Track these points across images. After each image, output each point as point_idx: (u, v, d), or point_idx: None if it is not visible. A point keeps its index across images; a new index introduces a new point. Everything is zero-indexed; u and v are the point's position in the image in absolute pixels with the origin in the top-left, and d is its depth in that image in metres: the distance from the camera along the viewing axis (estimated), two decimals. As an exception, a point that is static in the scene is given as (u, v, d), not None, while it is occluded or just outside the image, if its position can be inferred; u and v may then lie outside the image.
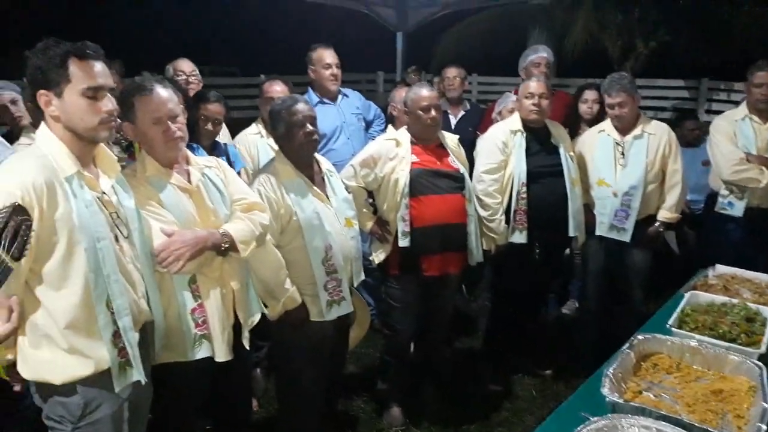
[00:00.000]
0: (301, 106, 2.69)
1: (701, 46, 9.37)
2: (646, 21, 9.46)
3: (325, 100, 4.03)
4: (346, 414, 3.46)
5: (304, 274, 2.68)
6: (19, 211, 1.43)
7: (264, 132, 3.57)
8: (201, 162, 2.32)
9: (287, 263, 2.64)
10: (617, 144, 3.58)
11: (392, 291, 3.28)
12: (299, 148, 2.69)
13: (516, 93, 4.38)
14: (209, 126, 3.10)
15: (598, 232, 3.66)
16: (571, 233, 3.56)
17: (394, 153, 3.17)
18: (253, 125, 3.63)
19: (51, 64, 1.73)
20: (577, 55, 9.63)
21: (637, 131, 3.54)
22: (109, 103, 1.81)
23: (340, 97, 4.09)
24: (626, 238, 3.57)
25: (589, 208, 3.71)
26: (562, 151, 3.56)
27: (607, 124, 3.67)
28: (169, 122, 2.10)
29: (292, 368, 2.78)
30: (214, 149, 3.16)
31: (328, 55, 3.99)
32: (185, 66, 3.57)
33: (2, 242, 1.37)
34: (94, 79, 1.77)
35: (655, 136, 3.53)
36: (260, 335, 2.78)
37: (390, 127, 3.87)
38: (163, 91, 2.11)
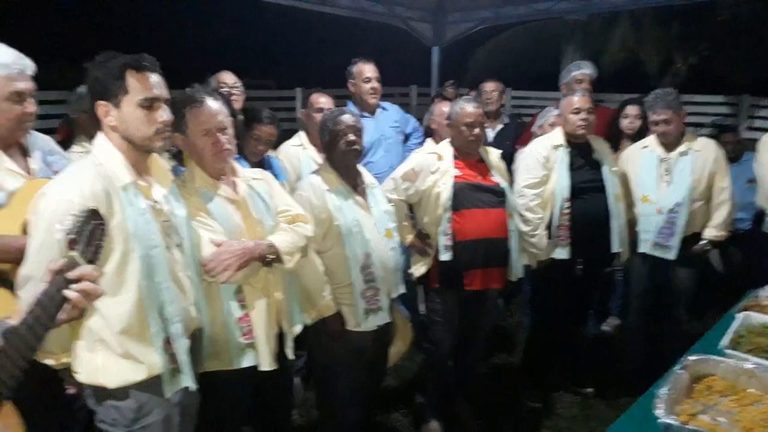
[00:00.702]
0: (346, 117, 2.75)
1: (742, 61, 9.23)
2: (686, 36, 9.37)
3: (364, 114, 4.05)
4: (385, 426, 3.44)
5: (343, 281, 2.69)
6: (94, 215, 1.46)
7: (306, 143, 3.60)
8: (248, 174, 2.35)
9: (327, 270, 2.67)
10: (662, 160, 3.52)
11: (433, 305, 3.26)
12: (342, 156, 2.73)
13: (557, 107, 4.35)
14: (260, 147, 3.14)
15: (641, 250, 3.60)
16: (615, 249, 3.50)
17: (436, 167, 3.16)
18: (295, 137, 3.67)
19: (109, 76, 1.78)
20: (613, 71, 9.58)
21: (682, 148, 3.48)
22: (164, 114, 1.85)
23: (378, 110, 4.11)
24: (671, 255, 3.50)
25: (632, 224, 3.65)
26: (604, 166, 3.52)
27: (651, 140, 3.61)
28: (219, 134, 2.14)
29: (330, 378, 2.79)
30: (260, 162, 3.19)
31: (368, 70, 4.03)
32: (228, 78, 3.63)
33: (78, 245, 1.40)
34: (150, 91, 1.82)
35: (701, 152, 3.46)
36: (299, 344, 2.79)
37: (429, 140, 3.88)
38: (213, 104, 2.15)
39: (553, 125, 4.06)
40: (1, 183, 2.00)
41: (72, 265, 1.38)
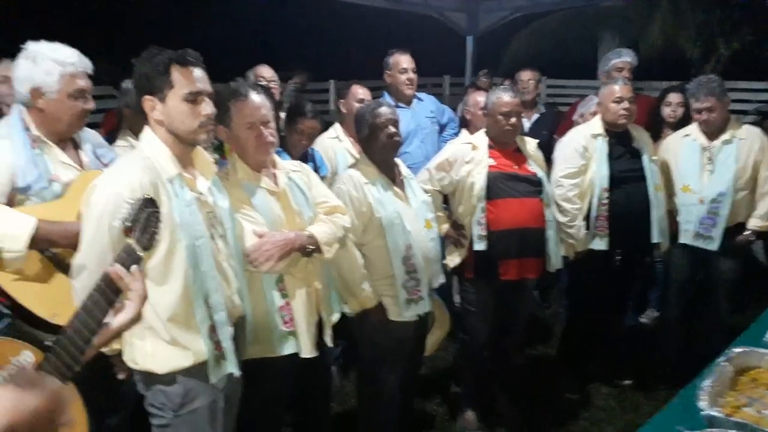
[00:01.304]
0: (384, 110, 2.76)
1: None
2: (728, 21, 9.09)
3: (400, 104, 4.05)
4: (421, 416, 3.47)
5: (385, 273, 2.71)
6: (149, 203, 1.50)
7: (342, 135, 3.62)
8: (287, 166, 2.39)
9: (368, 262, 2.69)
10: (704, 149, 3.45)
11: (468, 295, 3.27)
12: (382, 149, 2.74)
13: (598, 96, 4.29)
14: (304, 141, 3.18)
15: (682, 240, 3.54)
16: (655, 240, 3.45)
17: (470, 156, 3.16)
18: (331, 129, 3.69)
19: (155, 71, 1.83)
20: (653, 58, 9.34)
21: (726, 136, 3.40)
22: (208, 108, 1.89)
23: (414, 101, 4.11)
24: (713, 246, 3.43)
25: (672, 214, 3.59)
26: (644, 155, 3.47)
27: (693, 129, 3.54)
28: (262, 127, 2.18)
29: (373, 368, 2.83)
30: (303, 156, 3.23)
31: (404, 60, 4.03)
32: (266, 72, 3.67)
33: (135, 232, 1.44)
34: (194, 85, 1.86)
35: (746, 141, 3.37)
36: (336, 333, 2.83)
37: (464, 130, 3.87)
38: (257, 97, 2.19)
39: (594, 114, 4.00)
40: (57, 175, 2.08)
41: (129, 250, 1.43)
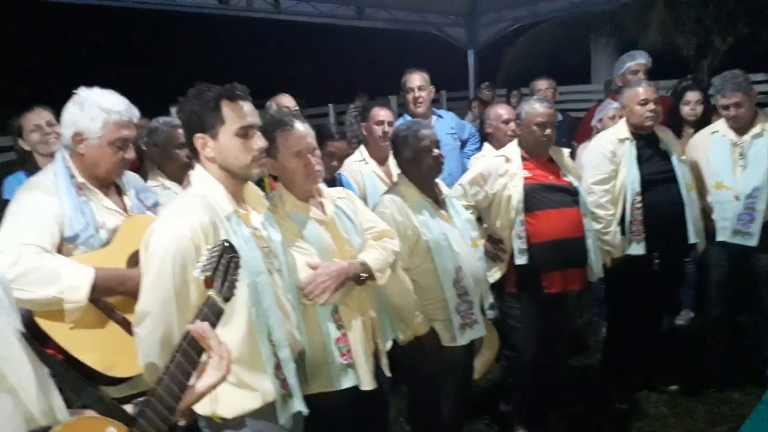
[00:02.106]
0: (427, 132, 2.74)
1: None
2: (722, 15, 9.11)
3: (418, 123, 4.03)
4: (471, 438, 3.38)
5: (436, 298, 2.66)
6: (228, 248, 1.43)
7: (368, 158, 3.59)
8: (332, 193, 2.35)
9: (417, 287, 2.63)
10: (735, 145, 3.42)
11: (511, 311, 3.20)
12: (428, 171, 2.72)
13: (614, 99, 4.27)
14: (334, 162, 3.15)
15: (720, 238, 3.48)
16: (692, 240, 3.41)
17: (504, 169, 3.12)
18: (357, 152, 3.66)
19: (206, 108, 1.80)
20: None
21: (756, 130, 3.37)
22: (259, 141, 1.85)
23: (434, 118, 4.09)
24: (753, 242, 3.38)
25: (706, 213, 3.54)
26: (673, 156, 3.43)
27: (721, 125, 3.51)
28: (309, 155, 2.14)
29: (425, 395, 2.76)
30: (332, 179, 3.20)
31: (411, 79, 4.02)
32: (287, 101, 3.65)
33: (215, 281, 1.37)
34: (245, 119, 1.83)
35: (777, 133, 3.34)
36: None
37: (487, 145, 3.84)
38: (302, 126, 2.16)
39: (613, 118, 3.98)
40: (103, 221, 2.03)
41: (211, 304, 1.35)
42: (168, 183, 2.92)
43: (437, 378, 2.74)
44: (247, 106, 1.84)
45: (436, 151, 2.67)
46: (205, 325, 1.31)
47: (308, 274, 2.09)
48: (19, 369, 0.93)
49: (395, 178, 3.54)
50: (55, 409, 0.98)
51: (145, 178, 2.96)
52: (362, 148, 3.67)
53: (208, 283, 1.37)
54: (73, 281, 1.82)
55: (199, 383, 1.31)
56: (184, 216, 1.74)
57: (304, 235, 2.16)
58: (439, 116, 4.15)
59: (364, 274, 2.20)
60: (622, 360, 3.69)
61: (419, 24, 6.88)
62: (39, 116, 2.97)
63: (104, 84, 2.13)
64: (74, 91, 2.06)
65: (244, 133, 1.82)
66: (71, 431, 0.92)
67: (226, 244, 1.43)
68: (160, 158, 2.96)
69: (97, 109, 2.00)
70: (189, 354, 1.26)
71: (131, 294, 1.88)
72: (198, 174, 1.88)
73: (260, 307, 1.82)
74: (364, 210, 2.44)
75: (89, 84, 2.08)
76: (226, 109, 1.80)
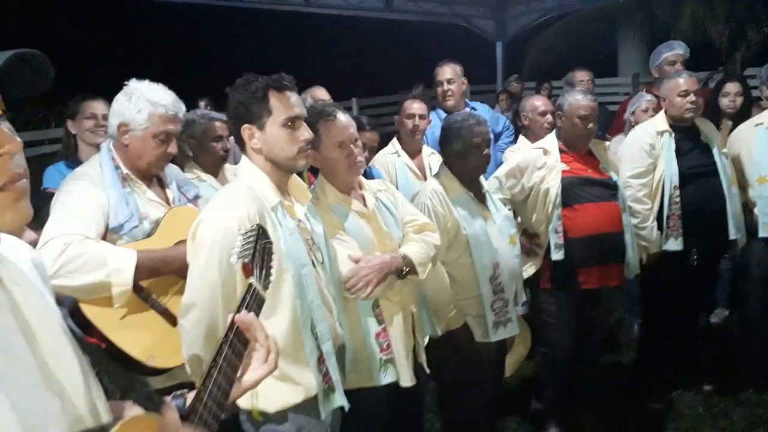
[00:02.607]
0: (481, 128, 2.69)
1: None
2: (757, 6, 8.90)
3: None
4: (502, 435, 3.35)
5: (471, 293, 2.62)
6: (262, 233, 1.35)
7: (401, 151, 3.56)
8: (373, 186, 2.33)
9: (453, 280, 2.59)
10: (779, 137, 3.32)
11: (546, 306, 3.15)
12: (474, 169, 2.69)
13: (648, 92, 4.18)
14: (366, 153, 3.12)
15: (762, 234, 3.39)
16: (732, 236, 3.33)
17: (542, 162, 3.06)
18: (390, 145, 3.63)
19: (253, 98, 1.78)
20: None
21: (802, 122, 3.27)
22: (306, 132, 1.84)
23: (466, 110, 4.03)
24: (797, 238, 3.29)
25: (747, 208, 3.45)
26: (715, 149, 3.35)
27: (765, 117, 3.42)
28: (352, 146, 2.11)
29: (458, 392, 2.73)
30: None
31: (440, 72, 4.00)
32: (322, 93, 3.62)
33: (254, 269, 1.29)
34: (292, 110, 1.81)
35: (824, 126, 3.24)
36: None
37: (521, 137, 3.78)
38: (343, 116, 2.14)
39: (646, 111, 3.91)
40: (147, 212, 2.04)
41: (253, 293, 1.25)
42: (204, 175, 2.92)
43: (469, 374, 2.70)
44: (294, 97, 1.83)
45: (486, 150, 2.65)
46: (251, 315, 1.21)
47: (351, 268, 2.06)
48: (69, 365, 0.88)
49: (428, 172, 3.53)
50: (97, 403, 0.92)
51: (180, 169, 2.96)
52: (395, 140, 3.64)
53: (247, 270, 1.29)
54: (118, 264, 1.83)
55: (246, 377, 1.22)
56: (232, 207, 1.72)
57: (345, 227, 2.13)
58: (473, 108, 4.09)
59: (406, 268, 2.16)
60: (657, 358, 3.63)
61: (447, 16, 6.81)
62: (98, 106, 2.98)
63: (140, 76, 2.12)
64: (125, 83, 2.06)
65: (291, 124, 1.80)
66: (128, 428, 0.84)
67: (259, 227, 1.35)
68: (196, 150, 2.95)
69: (144, 101, 2.00)
70: (236, 346, 1.18)
71: (176, 273, 1.91)
72: (244, 165, 1.87)
73: (305, 299, 1.80)
74: (405, 202, 2.41)
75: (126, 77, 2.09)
76: (274, 99, 1.79)
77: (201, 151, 2.95)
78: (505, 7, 6.85)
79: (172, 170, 2.28)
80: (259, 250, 1.32)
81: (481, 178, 2.84)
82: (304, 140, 1.82)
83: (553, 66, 11.92)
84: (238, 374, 1.18)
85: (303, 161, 1.85)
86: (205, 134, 2.96)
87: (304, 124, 1.84)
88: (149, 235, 2.03)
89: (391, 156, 3.56)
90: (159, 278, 1.97)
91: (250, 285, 1.26)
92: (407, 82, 8.02)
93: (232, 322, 1.18)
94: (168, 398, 1.13)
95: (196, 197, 2.28)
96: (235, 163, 2.55)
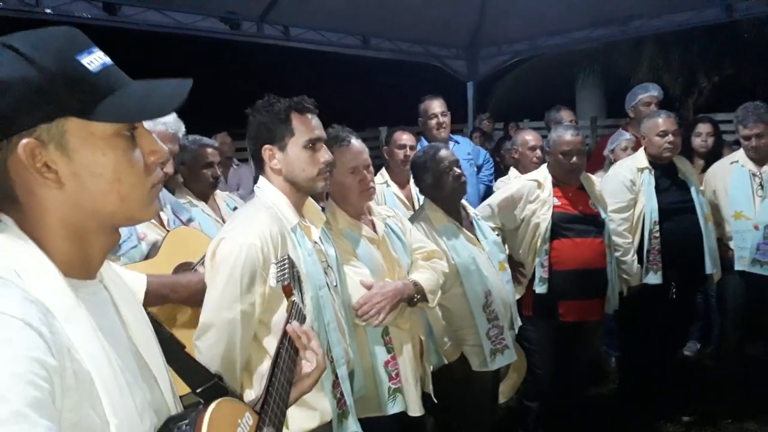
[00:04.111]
0: (444, 153, 2.71)
1: (766, 77, 9.28)
2: (707, 56, 9.45)
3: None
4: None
5: (465, 323, 2.61)
6: (292, 262, 1.41)
7: (389, 180, 3.59)
8: (382, 212, 2.33)
9: (446, 312, 2.59)
10: (754, 175, 3.48)
11: (527, 333, 3.16)
12: (451, 193, 2.69)
13: (626, 130, 4.34)
14: None
15: (738, 267, 3.52)
16: (708, 270, 3.43)
17: (535, 195, 3.11)
18: (379, 175, 3.65)
19: (276, 120, 1.78)
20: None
21: (775, 161, 3.44)
22: (326, 154, 1.84)
23: (451, 143, 4.10)
24: (771, 272, 3.42)
25: (721, 242, 3.58)
26: (692, 186, 3.48)
27: (740, 155, 3.57)
28: (365, 171, 2.12)
29: (456, 422, 2.70)
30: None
31: (433, 106, 4.05)
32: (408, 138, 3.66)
33: (295, 289, 1.37)
34: (313, 132, 1.82)
35: (796, 166, 3.42)
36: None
37: (512, 169, 3.87)
38: (357, 142, 2.15)
39: (625, 149, 4.05)
40: (144, 234, 2.00)
41: (297, 309, 1.33)
42: (195, 201, 2.87)
43: (467, 404, 2.68)
44: (315, 120, 1.83)
45: (456, 170, 2.65)
46: (300, 324, 1.30)
47: (363, 294, 2.05)
48: (157, 358, 0.93)
49: (416, 202, 3.56)
50: (175, 393, 0.97)
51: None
52: (384, 171, 3.67)
53: (288, 291, 1.36)
54: None
55: (301, 382, 1.29)
56: (254, 225, 1.70)
57: (356, 253, 2.12)
58: (456, 142, 4.17)
59: (417, 296, 2.16)
60: (638, 389, 3.68)
61: (422, 56, 6.97)
62: None
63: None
64: None
65: (312, 145, 1.80)
66: (221, 410, 0.93)
67: (290, 259, 1.43)
68: (187, 176, 2.91)
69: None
70: (291, 354, 1.26)
71: (184, 302, 1.85)
72: (263, 185, 1.85)
73: (322, 321, 1.77)
74: (412, 229, 2.41)
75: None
76: (296, 121, 1.79)
77: (192, 177, 2.90)
78: (477, 49, 7.05)
79: (165, 194, 2.26)
80: (295, 274, 1.40)
81: (468, 205, 2.86)
82: (325, 162, 1.82)
83: (516, 107, 12.36)
84: (294, 378, 1.27)
85: (322, 183, 1.85)
86: (197, 161, 2.92)
87: (325, 146, 1.84)
88: (147, 256, 1.98)
89: (380, 186, 3.58)
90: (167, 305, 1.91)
91: (293, 302, 1.33)
92: (381, 118, 8.20)
93: (284, 333, 1.26)
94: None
95: (189, 221, 2.26)
96: (237, 188, 2.54)
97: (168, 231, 2.13)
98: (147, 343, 0.93)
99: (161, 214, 2.18)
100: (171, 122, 2.05)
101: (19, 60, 0.76)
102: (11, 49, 0.77)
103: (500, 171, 4.96)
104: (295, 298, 1.35)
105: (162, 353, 0.96)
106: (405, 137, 3.59)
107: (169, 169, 2.10)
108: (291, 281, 1.36)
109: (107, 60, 0.84)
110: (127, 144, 0.84)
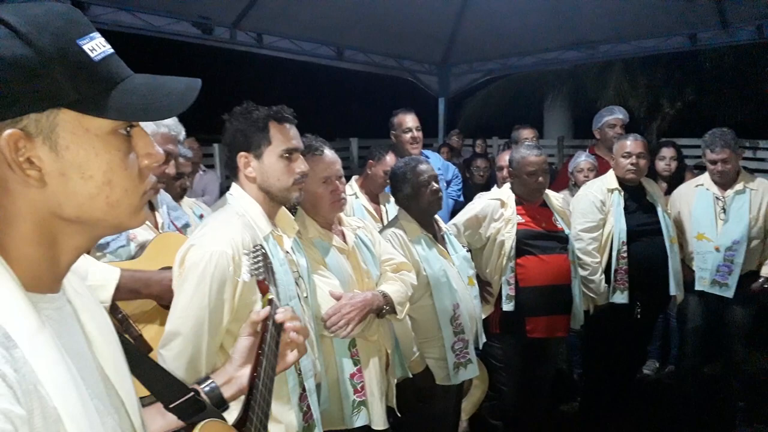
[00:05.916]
0: (424, 167, 2.71)
1: (726, 105, 9.60)
2: (671, 82, 9.75)
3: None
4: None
5: (432, 335, 2.60)
6: (265, 253, 1.36)
7: (359, 192, 3.56)
8: (351, 222, 2.30)
9: (414, 322, 2.57)
10: (718, 199, 3.56)
11: (493, 350, 3.16)
12: (428, 206, 2.68)
13: (591, 151, 4.42)
14: None
15: (698, 287, 3.59)
16: (672, 292, 3.48)
17: (499, 213, 3.13)
18: (348, 186, 3.60)
19: (253, 127, 1.75)
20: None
21: (738, 186, 3.52)
22: (302, 165, 1.81)
23: (411, 156, 4.09)
24: (729, 294, 3.49)
25: (683, 263, 3.66)
26: (659, 208, 3.54)
27: (705, 179, 3.66)
28: (337, 182, 2.09)
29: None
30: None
31: (407, 120, 4.03)
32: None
33: (271, 284, 1.30)
34: (290, 142, 1.79)
35: (758, 192, 3.50)
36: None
37: (495, 187, 3.88)
38: (330, 152, 2.13)
39: (581, 171, 4.10)
40: (135, 234, 1.95)
41: (276, 307, 1.25)
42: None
43: (429, 418, 2.65)
44: (293, 130, 1.81)
45: (435, 185, 2.66)
46: (289, 309, 1.27)
47: (332, 305, 2.01)
48: (126, 379, 0.85)
49: (384, 216, 3.54)
50: (144, 417, 0.89)
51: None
52: (353, 182, 3.63)
53: (263, 286, 1.29)
54: (99, 281, 1.70)
55: (284, 361, 1.26)
56: (226, 233, 1.65)
57: (326, 263, 2.09)
58: (426, 157, 4.16)
59: (386, 307, 2.13)
60: (600, 406, 3.71)
61: (395, 69, 7.01)
62: None
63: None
64: None
65: (289, 155, 1.78)
66: None
67: (263, 248, 1.37)
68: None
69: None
70: (276, 341, 1.22)
71: (155, 297, 1.81)
72: (236, 193, 1.81)
73: None
74: (381, 241, 2.39)
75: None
76: (274, 130, 1.76)
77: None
78: (450, 66, 7.13)
79: (163, 195, 2.20)
80: (268, 267, 1.33)
81: (440, 219, 2.86)
82: (300, 173, 1.80)
83: (485, 124, 12.53)
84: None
85: (296, 193, 1.82)
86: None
87: (301, 157, 1.82)
88: (134, 257, 1.92)
89: (349, 197, 3.53)
90: (142, 306, 1.86)
91: (271, 299, 1.26)
92: (352, 129, 8.19)
93: (263, 338, 1.19)
94: (199, 387, 1.14)
95: (186, 226, 2.20)
96: (202, 194, 2.48)
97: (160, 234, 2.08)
98: (114, 361, 0.84)
99: (156, 215, 2.13)
100: (173, 125, 2.02)
101: (11, 37, 0.66)
102: (3, 24, 0.67)
103: (468, 187, 4.99)
104: (272, 296, 1.27)
105: (129, 371, 0.88)
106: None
107: (171, 170, 2.07)
108: (266, 275, 1.30)
109: (109, 48, 0.75)
110: (123, 144, 0.76)
